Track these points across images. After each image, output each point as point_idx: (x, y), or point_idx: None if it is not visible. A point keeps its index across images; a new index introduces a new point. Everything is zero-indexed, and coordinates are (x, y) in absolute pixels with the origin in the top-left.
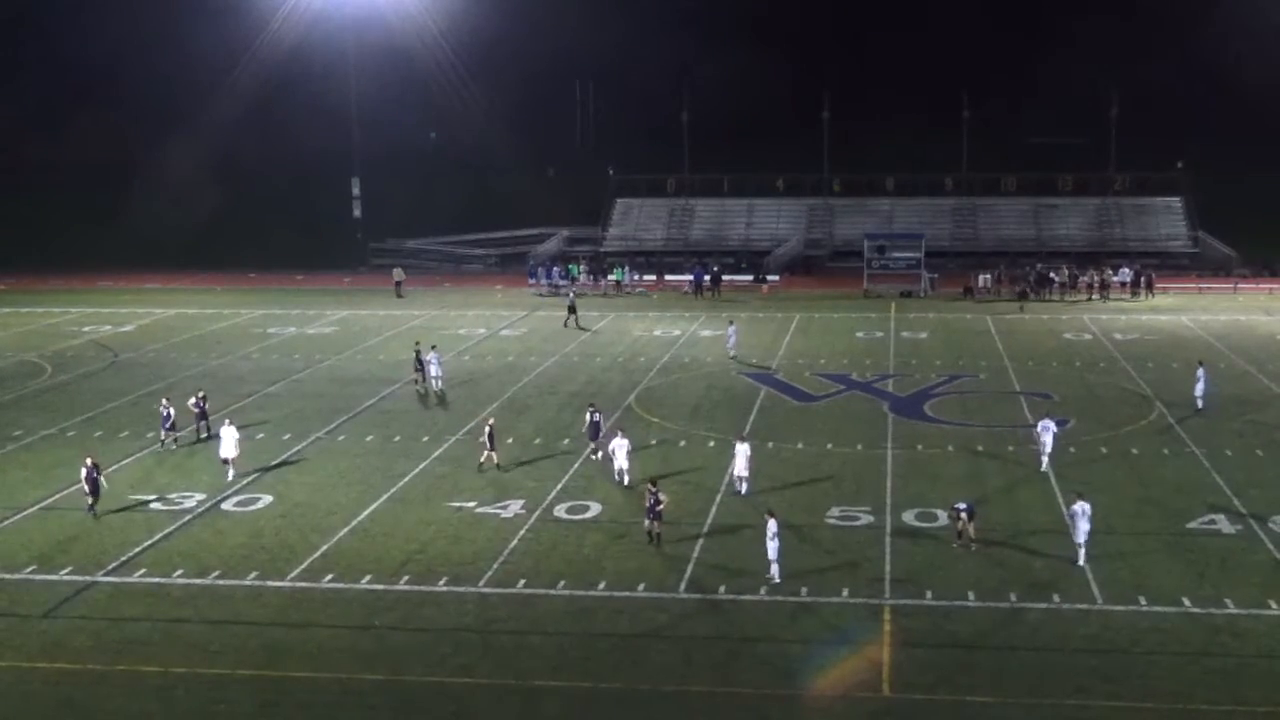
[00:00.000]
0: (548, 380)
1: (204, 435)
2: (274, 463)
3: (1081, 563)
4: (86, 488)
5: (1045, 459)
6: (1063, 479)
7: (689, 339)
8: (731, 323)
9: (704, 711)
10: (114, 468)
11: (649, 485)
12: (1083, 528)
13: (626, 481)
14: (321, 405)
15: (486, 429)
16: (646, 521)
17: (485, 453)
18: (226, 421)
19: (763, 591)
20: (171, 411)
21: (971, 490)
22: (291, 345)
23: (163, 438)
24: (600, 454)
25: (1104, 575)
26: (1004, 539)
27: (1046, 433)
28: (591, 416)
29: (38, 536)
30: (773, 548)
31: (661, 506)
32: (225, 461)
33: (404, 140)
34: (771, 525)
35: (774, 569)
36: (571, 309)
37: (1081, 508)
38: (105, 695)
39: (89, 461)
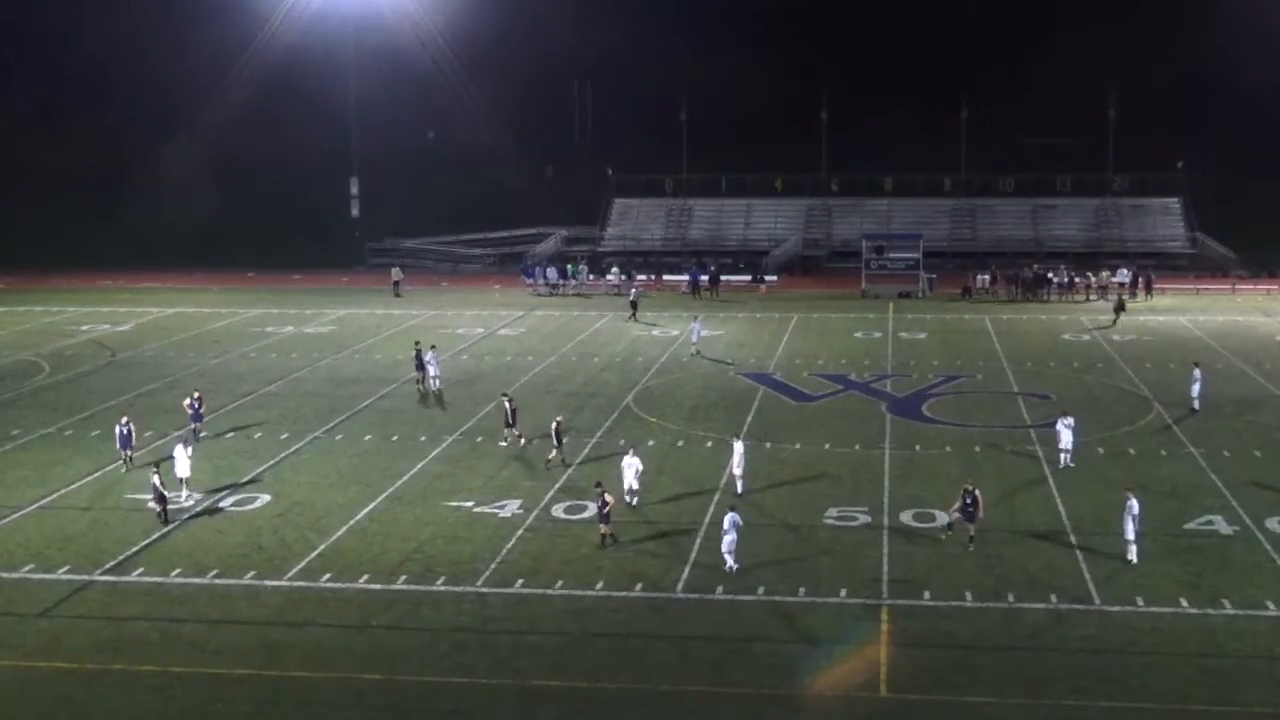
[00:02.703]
0: (546, 380)
1: (200, 436)
2: (272, 462)
3: (1132, 558)
4: (153, 497)
5: (1064, 456)
6: (1060, 478)
7: (687, 339)
8: (697, 318)
9: (702, 711)
10: (111, 467)
11: (596, 486)
12: (1128, 525)
13: (635, 503)
14: (319, 404)
15: (554, 425)
16: (603, 526)
17: (554, 450)
18: (181, 442)
19: (760, 591)
20: (131, 429)
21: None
22: (290, 344)
23: (124, 456)
24: (523, 440)
25: (1102, 575)
26: (1002, 539)
27: (1067, 430)
28: (510, 404)
29: (35, 535)
30: (727, 540)
31: (609, 508)
32: (181, 481)
33: (402, 140)
34: (727, 520)
35: (728, 559)
36: (634, 304)
37: (1130, 505)
38: (103, 694)
39: (158, 470)
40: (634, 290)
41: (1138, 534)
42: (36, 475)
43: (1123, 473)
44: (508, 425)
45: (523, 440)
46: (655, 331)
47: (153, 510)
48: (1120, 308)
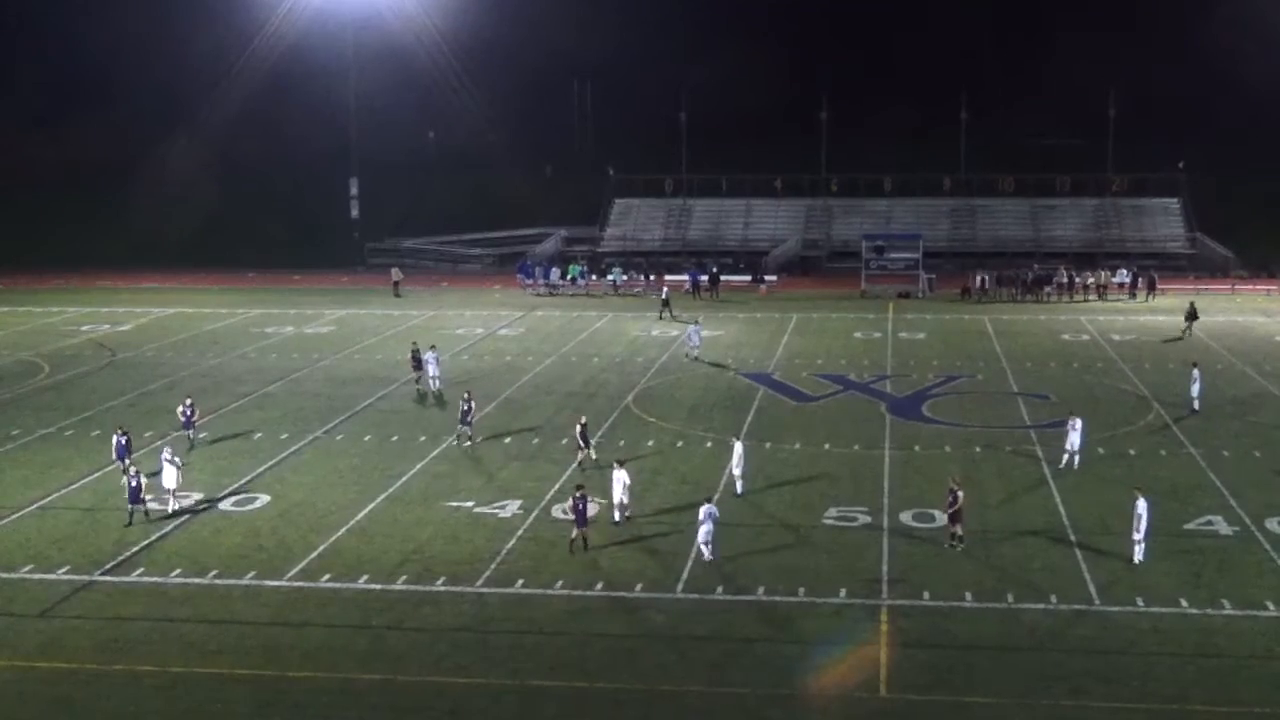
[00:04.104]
0: (546, 380)
1: (195, 443)
2: (272, 462)
3: (1137, 560)
4: (129, 495)
5: (1066, 457)
6: (1061, 479)
7: (688, 339)
8: (696, 322)
9: (701, 712)
10: (111, 467)
11: (576, 490)
12: (1138, 525)
13: (619, 518)
14: (319, 405)
15: (578, 427)
16: (574, 530)
17: (581, 451)
18: (168, 450)
19: (760, 591)
20: (128, 440)
21: (969, 491)
22: (289, 345)
23: (123, 467)
24: (472, 441)
25: (1101, 576)
26: (1002, 540)
27: (1074, 431)
28: (465, 404)
29: (35, 536)
30: (703, 531)
31: (585, 512)
32: (168, 492)
33: (402, 140)
34: (703, 510)
35: (704, 550)
36: (665, 303)
37: (1139, 504)
38: (102, 695)
39: (134, 470)
40: (665, 289)
41: (1146, 535)
42: (36, 475)
43: (1123, 473)
44: (462, 422)
45: (469, 441)
46: (655, 332)
47: (133, 509)
48: (1192, 315)
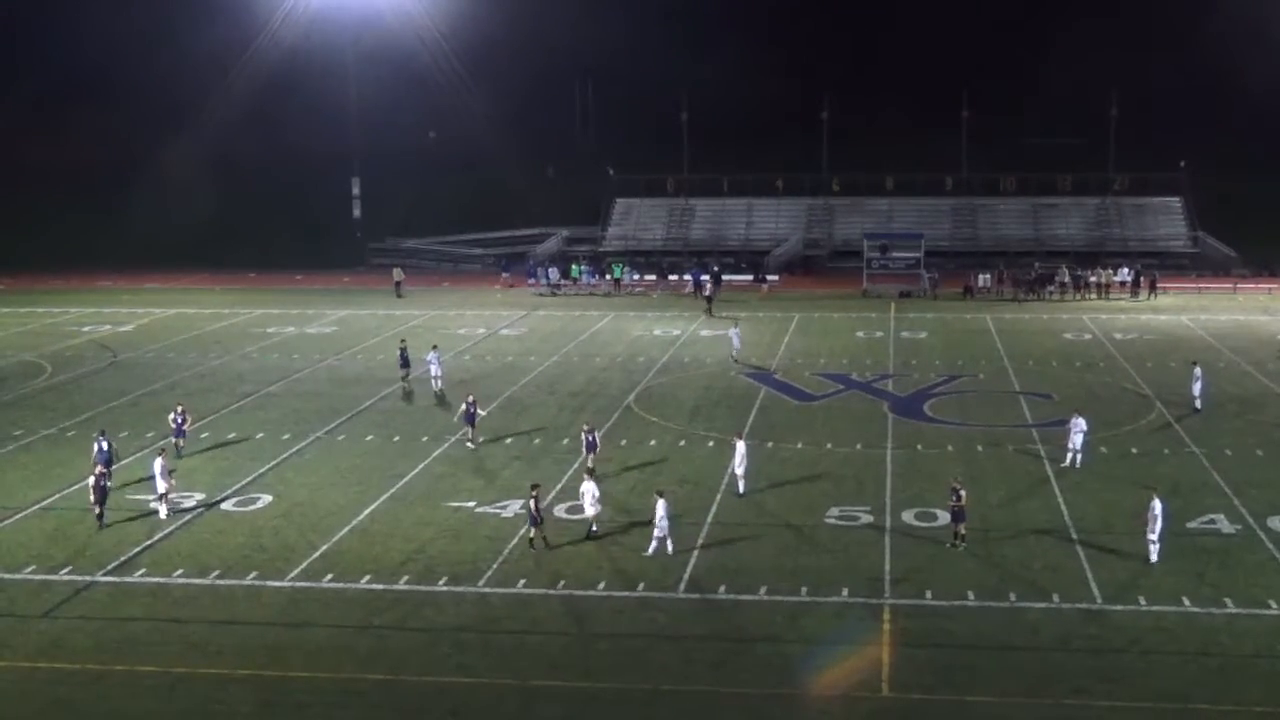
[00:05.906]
0: (547, 380)
1: (181, 452)
2: (274, 462)
3: (1153, 560)
4: (94, 496)
5: (1069, 456)
6: (1063, 477)
7: (689, 339)
8: (735, 324)
9: (703, 711)
10: (113, 467)
11: (532, 489)
12: (1154, 525)
13: (593, 529)
14: (321, 405)
15: (583, 436)
16: (532, 530)
17: (590, 456)
18: (160, 454)
19: (762, 591)
20: (105, 445)
21: (971, 490)
22: (291, 345)
23: (96, 474)
24: (472, 444)
25: (1104, 575)
26: (1004, 539)
27: (1076, 430)
28: (470, 407)
29: (37, 536)
30: (662, 526)
31: (540, 511)
32: (161, 496)
33: (404, 140)
34: (660, 506)
35: (667, 543)
36: (709, 299)
37: (1155, 505)
38: (104, 695)
39: (99, 470)
40: (709, 288)
41: (1161, 536)
42: (38, 476)
43: (1126, 472)
44: (469, 424)
45: (471, 445)
46: (657, 332)
47: (100, 510)
48: None
